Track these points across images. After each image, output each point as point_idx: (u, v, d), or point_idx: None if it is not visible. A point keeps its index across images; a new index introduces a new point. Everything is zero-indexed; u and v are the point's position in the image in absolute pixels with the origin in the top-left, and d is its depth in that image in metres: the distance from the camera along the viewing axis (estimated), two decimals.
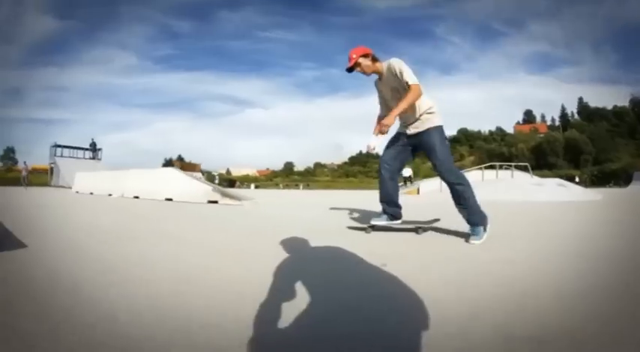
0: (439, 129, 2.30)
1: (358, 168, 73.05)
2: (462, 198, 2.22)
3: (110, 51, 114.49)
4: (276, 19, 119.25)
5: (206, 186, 7.09)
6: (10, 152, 58.57)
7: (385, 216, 2.49)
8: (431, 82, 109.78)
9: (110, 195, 9.35)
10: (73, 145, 25.50)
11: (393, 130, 2.42)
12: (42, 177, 28.85)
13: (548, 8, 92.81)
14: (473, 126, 76.34)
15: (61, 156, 23.45)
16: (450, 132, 76.38)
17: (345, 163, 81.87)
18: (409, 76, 2.18)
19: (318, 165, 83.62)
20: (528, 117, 75.47)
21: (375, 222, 2.50)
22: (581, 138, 49.15)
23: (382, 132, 2.22)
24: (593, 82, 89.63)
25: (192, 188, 7.16)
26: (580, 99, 68.84)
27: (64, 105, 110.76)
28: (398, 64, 2.22)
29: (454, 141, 71.56)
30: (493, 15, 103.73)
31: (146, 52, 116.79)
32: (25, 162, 20.84)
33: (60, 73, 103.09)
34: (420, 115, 2.29)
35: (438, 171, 2.29)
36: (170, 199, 7.17)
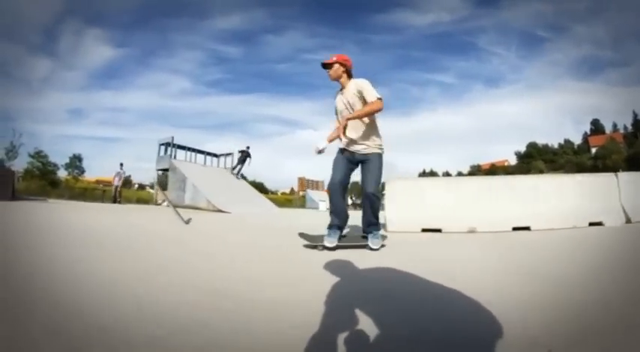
0: (381, 155, 2.72)
1: None
2: (374, 211, 2.68)
3: (164, 76, 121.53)
4: (321, 40, 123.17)
5: None
6: (76, 160, 48.23)
7: (335, 230, 2.68)
8: (478, 95, 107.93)
9: None
10: (194, 147, 13.68)
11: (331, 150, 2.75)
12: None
13: (589, 6, 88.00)
14: (531, 139, 71.96)
15: (175, 158, 12.27)
16: (519, 147, 71.62)
17: None
18: (373, 92, 2.51)
19: None
20: (596, 126, 72.75)
21: (327, 243, 2.62)
22: None
23: (343, 134, 2.51)
24: None
25: None
26: None
27: (122, 125, 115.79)
28: (363, 82, 2.57)
29: (527, 156, 67.90)
30: (534, 21, 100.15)
31: (198, 77, 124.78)
32: (121, 165, 13.03)
33: (118, 96, 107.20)
34: (370, 139, 2.67)
35: (366, 189, 2.66)
36: None
